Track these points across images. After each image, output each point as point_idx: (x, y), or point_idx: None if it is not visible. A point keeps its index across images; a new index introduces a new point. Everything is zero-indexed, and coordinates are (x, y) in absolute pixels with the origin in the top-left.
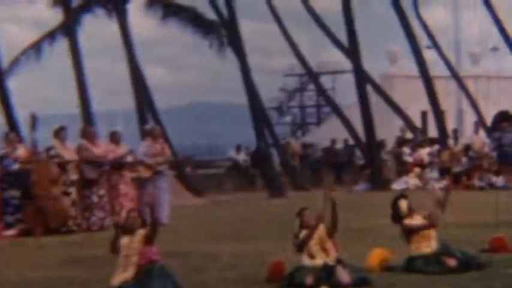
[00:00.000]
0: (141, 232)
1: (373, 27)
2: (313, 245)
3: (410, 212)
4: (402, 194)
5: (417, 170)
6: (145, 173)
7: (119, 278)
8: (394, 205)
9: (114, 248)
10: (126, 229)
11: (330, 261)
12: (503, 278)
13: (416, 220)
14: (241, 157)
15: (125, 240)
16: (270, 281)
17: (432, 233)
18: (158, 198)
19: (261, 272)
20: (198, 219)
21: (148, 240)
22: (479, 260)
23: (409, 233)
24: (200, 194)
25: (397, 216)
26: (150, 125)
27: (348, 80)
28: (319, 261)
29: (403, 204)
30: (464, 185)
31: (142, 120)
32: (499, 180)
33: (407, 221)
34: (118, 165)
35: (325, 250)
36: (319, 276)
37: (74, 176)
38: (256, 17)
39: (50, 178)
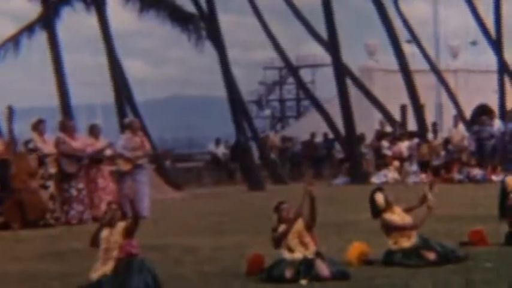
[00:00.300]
0: (121, 225)
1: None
2: (292, 238)
3: (389, 205)
4: (378, 188)
5: (396, 163)
6: (124, 167)
7: (98, 271)
8: (371, 199)
9: (95, 242)
10: (106, 222)
11: (309, 254)
12: (482, 272)
13: (397, 213)
14: (221, 150)
15: (104, 233)
16: (249, 274)
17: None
18: (138, 191)
19: (241, 266)
20: (178, 213)
21: (129, 233)
22: (458, 254)
23: (389, 227)
24: (179, 187)
25: (375, 211)
26: (129, 118)
27: (327, 74)
28: (298, 254)
29: (380, 197)
30: (443, 179)
31: (121, 114)
32: (477, 174)
33: (388, 216)
34: (97, 159)
35: (303, 244)
36: (299, 270)
37: (52, 170)
38: (235, 10)
39: (28, 171)
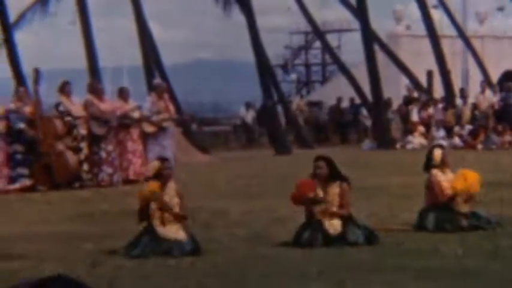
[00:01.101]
0: (172, 185)
1: None
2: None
3: (444, 164)
4: (439, 144)
5: (421, 129)
6: (149, 129)
7: (165, 231)
8: (429, 153)
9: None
10: (158, 178)
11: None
12: (511, 237)
13: (446, 177)
14: (251, 115)
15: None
16: (295, 199)
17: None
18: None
19: (270, 229)
20: (205, 176)
21: (181, 195)
22: (490, 220)
23: (431, 184)
24: (207, 151)
25: (429, 164)
26: (156, 80)
27: (353, 39)
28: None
29: (438, 153)
30: (469, 145)
31: (149, 76)
32: (504, 139)
33: (435, 172)
34: (125, 122)
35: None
36: (328, 237)
37: (83, 131)
38: None
39: (55, 134)
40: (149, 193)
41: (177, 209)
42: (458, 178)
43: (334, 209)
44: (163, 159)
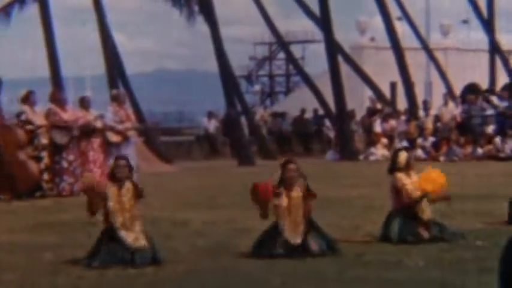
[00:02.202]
0: (129, 184)
1: None
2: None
3: (408, 167)
4: (405, 147)
5: (384, 140)
6: (113, 138)
7: (128, 236)
8: (394, 156)
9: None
10: (113, 178)
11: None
12: (473, 249)
13: (411, 180)
14: (213, 125)
15: (112, 190)
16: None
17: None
18: None
19: (231, 240)
20: (168, 186)
21: (139, 194)
22: (453, 232)
23: (395, 187)
24: (170, 161)
25: (393, 167)
26: (116, 90)
27: (317, 50)
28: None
29: (403, 156)
30: (431, 157)
31: (112, 86)
32: (466, 151)
33: (400, 175)
34: (87, 131)
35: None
36: (290, 247)
37: (45, 141)
38: None
39: (16, 143)
40: (85, 179)
41: (134, 211)
42: (425, 179)
43: (300, 212)
44: (118, 158)
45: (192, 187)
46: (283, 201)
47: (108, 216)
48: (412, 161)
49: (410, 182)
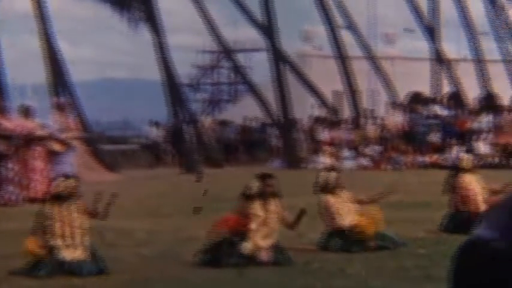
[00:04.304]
0: (80, 203)
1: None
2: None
3: (335, 187)
4: (332, 167)
5: (329, 149)
6: (56, 147)
7: (66, 251)
8: (322, 176)
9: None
10: (58, 196)
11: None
12: (415, 258)
13: (342, 199)
14: (157, 133)
15: (54, 209)
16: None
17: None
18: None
19: (176, 249)
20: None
21: (87, 212)
22: (395, 240)
23: (322, 208)
24: (114, 169)
25: (317, 187)
26: (58, 99)
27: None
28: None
29: (331, 176)
30: (376, 165)
31: (56, 94)
32: (410, 160)
33: (326, 196)
34: (29, 140)
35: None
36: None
37: None
38: None
39: None
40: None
41: (79, 226)
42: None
43: (275, 225)
44: (69, 177)
45: (136, 196)
46: (260, 212)
47: (49, 233)
48: (337, 181)
49: (341, 201)
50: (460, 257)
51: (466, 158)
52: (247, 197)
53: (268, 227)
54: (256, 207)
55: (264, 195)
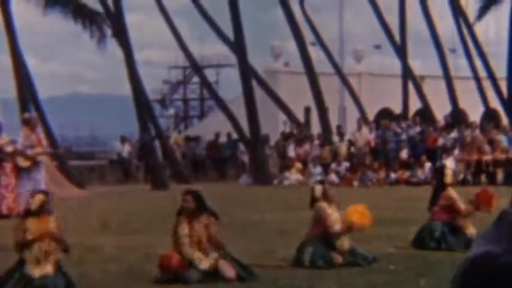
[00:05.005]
0: (52, 219)
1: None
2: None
3: (327, 198)
4: (320, 180)
5: (298, 165)
6: (23, 163)
7: (37, 268)
8: (311, 190)
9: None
10: (38, 211)
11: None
12: (385, 274)
13: (332, 211)
14: (126, 149)
15: (32, 224)
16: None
17: None
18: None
19: (144, 265)
20: (81, 211)
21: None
22: (366, 256)
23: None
24: (82, 185)
25: (312, 200)
26: (27, 114)
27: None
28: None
29: (318, 188)
30: (345, 181)
31: (24, 110)
32: (380, 176)
33: (323, 205)
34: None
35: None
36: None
37: None
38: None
39: None
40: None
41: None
42: (352, 211)
43: (204, 243)
44: (45, 193)
45: (104, 212)
46: (185, 230)
47: (23, 248)
48: (330, 193)
49: (332, 213)
50: (466, 275)
51: (449, 173)
52: (177, 214)
53: (197, 243)
54: (182, 224)
55: (187, 212)
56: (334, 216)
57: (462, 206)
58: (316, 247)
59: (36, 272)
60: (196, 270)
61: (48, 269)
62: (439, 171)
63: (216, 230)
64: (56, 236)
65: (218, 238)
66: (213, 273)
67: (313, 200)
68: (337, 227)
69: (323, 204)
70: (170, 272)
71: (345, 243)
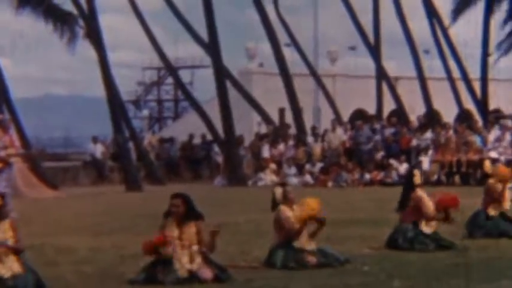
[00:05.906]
0: (6, 220)
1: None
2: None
3: (287, 200)
4: (281, 183)
5: (273, 166)
6: None
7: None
8: (272, 193)
9: None
10: None
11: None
12: (360, 275)
13: (294, 213)
14: (99, 149)
15: None
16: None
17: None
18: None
19: (118, 266)
20: (53, 212)
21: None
22: (339, 258)
23: (279, 221)
24: (56, 187)
25: (273, 203)
26: (0, 115)
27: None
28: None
29: (278, 191)
30: (320, 182)
31: None
32: (354, 177)
33: (283, 209)
34: None
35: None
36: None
37: None
38: (114, 10)
39: None
40: None
41: (10, 243)
42: (301, 208)
43: (195, 247)
44: (1, 196)
45: (78, 213)
46: (174, 232)
47: None
48: (290, 195)
49: (293, 215)
50: None
51: (418, 174)
52: (164, 216)
53: (187, 247)
54: (171, 227)
55: (175, 215)
56: (294, 218)
57: (430, 208)
58: (286, 249)
59: (4, 272)
60: (175, 274)
61: (16, 268)
62: (408, 173)
63: (206, 233)
64: (5, 245)
65: (213, 243)
66: (191, 276)
67: (274, 203)
68: (295, 226)
69: (283, 208)
70: (151, 248)
71: (308, 246)
